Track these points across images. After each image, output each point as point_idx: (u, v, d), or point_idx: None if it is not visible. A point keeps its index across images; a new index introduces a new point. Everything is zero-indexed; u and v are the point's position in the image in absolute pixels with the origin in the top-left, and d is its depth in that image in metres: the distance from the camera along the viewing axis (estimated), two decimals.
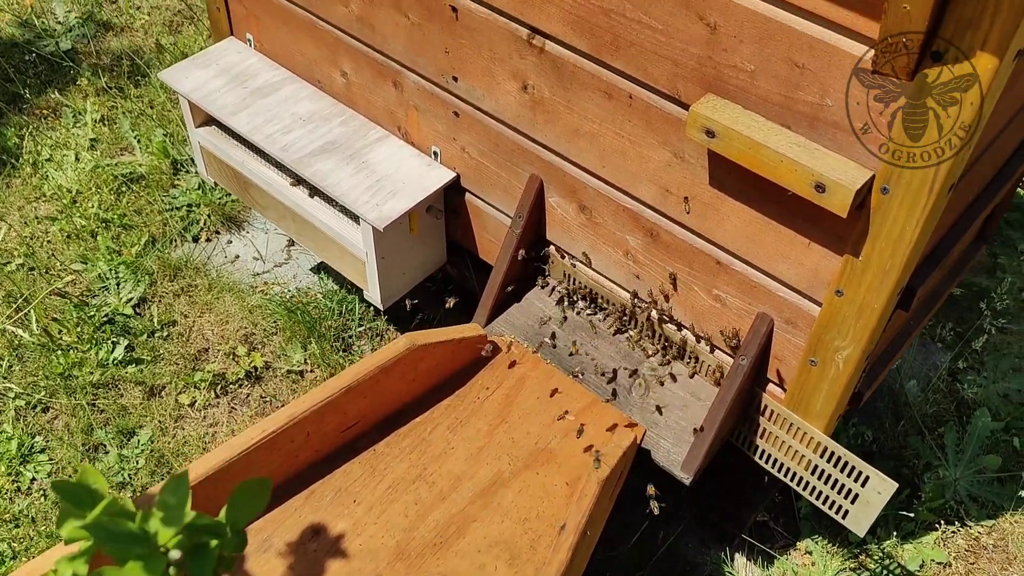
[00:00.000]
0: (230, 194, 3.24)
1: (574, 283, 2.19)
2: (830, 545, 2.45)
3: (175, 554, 0.95)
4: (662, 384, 2.06)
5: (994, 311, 3.00)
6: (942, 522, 2.49)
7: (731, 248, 1.79)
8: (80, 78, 3.63)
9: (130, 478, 2.52)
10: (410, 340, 1.98)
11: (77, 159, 3.33)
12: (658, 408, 2.00)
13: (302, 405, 1.88)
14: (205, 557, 1.03)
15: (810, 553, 2.44)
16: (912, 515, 2.42)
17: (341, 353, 2.80)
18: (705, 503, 2.46)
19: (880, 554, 2.41)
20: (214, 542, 1.05)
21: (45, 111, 3.53)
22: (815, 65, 1.45)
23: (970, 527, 2.51)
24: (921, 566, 2.42)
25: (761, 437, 2.02)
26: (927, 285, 1.80)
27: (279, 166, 2.40)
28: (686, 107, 1.66)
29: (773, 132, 1.54)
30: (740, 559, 2.43)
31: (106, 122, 3.49)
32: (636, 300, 2.06)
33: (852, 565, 2.41)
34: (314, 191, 2.36)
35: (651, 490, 1.93)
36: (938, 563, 2.44)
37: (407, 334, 1.99)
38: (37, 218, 3.15)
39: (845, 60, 1.40)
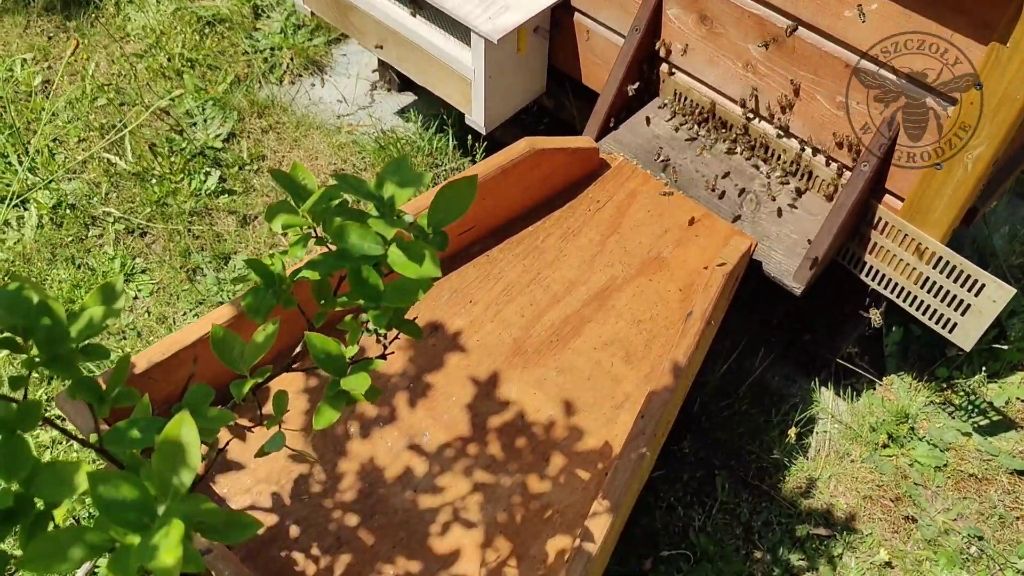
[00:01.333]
0: (313, 39, 3.24)
1: (687, 101, 2.19)
2: (916, 381, 2.49)
3: (408, 217, 0.98)
4: (774, 199, 2.08)
5: None
6: None
7: (863, 48, 1.79)
8: None
9: (229, 299, 2.57)
10: (530, 143, 2.00)
11: (158, 1, 3.32)
12: (768, 222, 2.02)
13: (424, 200, 1.91)
14: (414, 253, 1.07)
15: (896, 388, 2.49)
16: (1004, 348, 2.45)
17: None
18: (796, 334, 2.50)
19: (966, 389, 2.45)
20: (417, 241, 1.09)
21: None
22: None
23: None
24: (1007, 403, 2.46)
25: (871, 252, 2.04)
26: None
27: None
28: None
29: None
30: (827, 392, 2.48)
31: None
32: (752, 115, 2.06)
33: (938, 399, 2.45)
34: (416, 11, 2.36)
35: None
36: (1023, 400, 2.48)
37: (527, 138, 2.01)
38: (124, 56, 3.15)
39: None
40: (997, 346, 2.47)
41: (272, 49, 3.21)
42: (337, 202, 1.02)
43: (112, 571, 0.69)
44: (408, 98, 3.10)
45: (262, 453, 1.14)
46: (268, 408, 1.85)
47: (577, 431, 1.82)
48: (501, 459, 1.79)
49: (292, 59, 3.19)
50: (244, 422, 1.25)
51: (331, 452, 1.79)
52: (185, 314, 2.53)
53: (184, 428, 0.77)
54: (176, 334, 1.71)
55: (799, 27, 1.86)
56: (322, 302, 1.14)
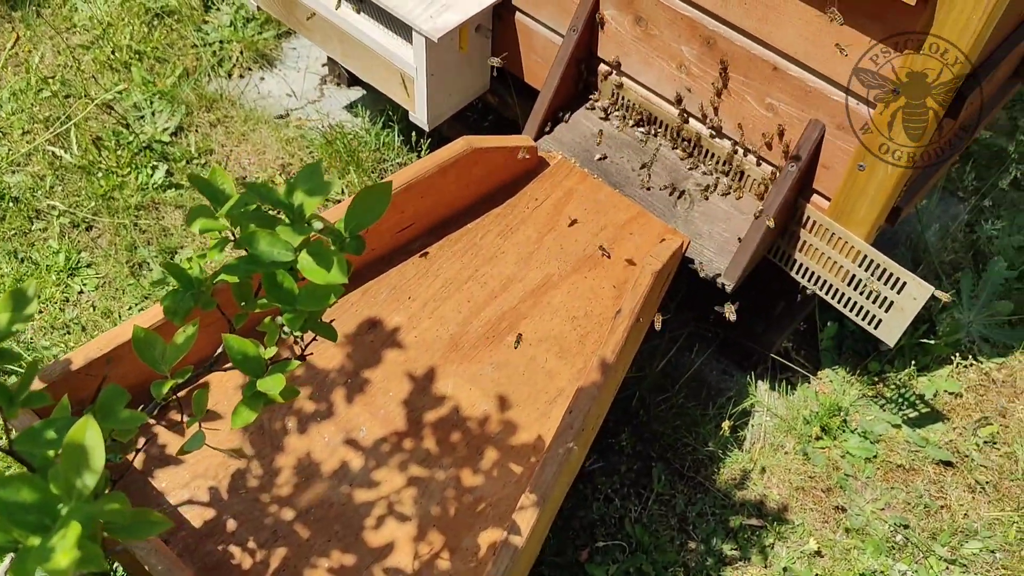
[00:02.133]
0: (262, 32, 3.24)
1: (623, 101, 2.24)
2: (849, 375, 2.56)
3: (318, 224, 1.01)
4: (707, 198, 2.13)
5: (1014, 169, 3.07)
6: (956, 356, 2.60)
7: (789, 52, 1.84)
8: None
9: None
10: (468, 142, 2.03)
11: None
12: (701, 220, 2.08)
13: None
14: (324, 259, 1.10)
15: (830, 381, 2.56)
16: (931, 343, 2.53)
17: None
18: (731, 330, 2.56)
19: (896, 383, 2.53)
20: (333, 246, 1.12)
21: None
22: None
23: (981, 363, 2.63)
24: (935, 395, 2.54)
25: (800, 250, 2.10)
26: (975, 96, 1.86)
27: None
28: None
29: None
30: (763, 385, 2.54)
31: None
32: (686, 115, 2.11)
33: (870, 392, 2.52)
34: (360, 7, 2.37)
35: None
36: (950, 393, 2.56)
37: (465, 136, 2.04)
38: (70, 47, 3.14)
39: None
40: (926, 341, 2.55)
41: (221, 42, 3.21)
42: (253, 207, 1.05)
43: (13, 573, 0.72)
44: (357, 93, 3.12)
45: (182, 452, 1.17)
46: (213, 405, 1.88)
47: (511, 426, 1.86)
48: (436, 453, 1.83)
49: (241, 52, 3.19)
50: (178, 418, 1.27)
51: (268, 447, 1.82)
52: (131, 308, 2.53)
53: (88, 432, 0.80)
54: (113, 330, 1.73)
55: (728, 28, 1.91)
56: (243, 304, 1.17)
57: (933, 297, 1.93)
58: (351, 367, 1.93)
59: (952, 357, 2.60)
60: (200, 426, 1.16)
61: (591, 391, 1.71)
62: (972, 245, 2.90)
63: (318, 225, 1.01)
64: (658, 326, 1.97)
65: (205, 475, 1.77)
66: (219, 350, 1.17)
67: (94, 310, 2.53)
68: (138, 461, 1.75)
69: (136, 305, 2.53)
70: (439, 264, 2.08)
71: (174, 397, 1.14)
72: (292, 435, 1.84)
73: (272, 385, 1.06)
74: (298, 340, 1.25)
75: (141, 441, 1.37)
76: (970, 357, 2.63)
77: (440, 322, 1.99)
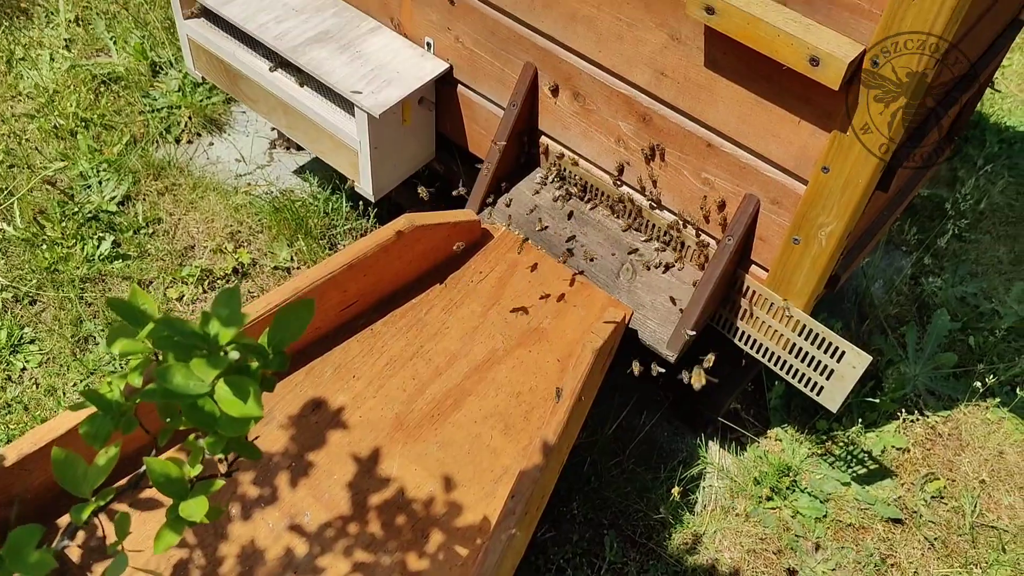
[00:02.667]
0: (211, 96, 3.24)
1: (565, 172, 2.26)
2: (798, 433, 2.58)
3: (234, 354, 1.01)
4: (648, 268, 2.15)
5: (955, 221, 3.14)
6: (902, 412, 2.63)
7: (722, 129, 1.87)
8: None
9: (121, 368, 2.55)
10: (409, 220, 2.04)
11: (52, 59, 3.30)
12: (644, 291, 2.09)
13: (306, 279, 1.93)
14: (248, 376, 1.10)
15: (779, 441, 2.58)
16: (876, 402, 2.56)
17: (327, 251, 2.84)
18: (680, 393, 2.57)
19: (845, 440, 2.55)
20: (255, 363, 1.11)
21: (16, 11, 3.47)
22: None
23: (927, 417, 2.66)
24: (883, 451, 2.57)
25: (742, 319, 2.12)
26: (906, 166, 1.89)
27: (270, 58, 2.42)
28: None
29: (770, 8, 1.60)
30: (713, 446, 2.56)
31: (80, 23, 3.44)
32: (626, 187, 2.14)
33: (819, 451, 2.54)
34: (304, 80, 2.39)
35: (636, 366, 2.02)
36: (898, 448, 2.59)
37: (406, 214, 2.05)
38: (15, 116, 3.12)
39: None
40: (871, 399, 2.58)
41: (170, 108, 3.20)
42: (169, 336, 1.04)
43: None
44: (305, 157, 3.12)
45: None
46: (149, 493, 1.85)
47: (456, 507, 1.85)
48: (381, 537, 1.81)
49: (190, 118, 3.19)
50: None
51: (211, 536, 1.79)
52: (75, 384, 2.50)
53: None
54: (47, 424, 1.70)
55: (663, 105, 1.94)
56: (167, 420, 1.16)
57: (875, 360, 1.96)
58: (295, 449, 1.92)
59: (899, 412, 2.63)
60: (123, 548, 1.14)
61: (533, 474, 1.71)
62: (917, 298, 2.95)
63: (235, 355, 1.01)
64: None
65: (146, 566, 1.74)
66: (142, 469, 1.16)
67: (37, 387, 2.49)
68: (75, 554, 1.72)
69: (81, 381, 2.50)
70: (384, 340, 2.07)
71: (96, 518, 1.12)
72: (236, 522, 1.82)
73: (194, 510, 1.05)
74: (223, 458, 1.24)
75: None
76: (916, 412, 2.66)
77: (385, 401, 1.99)
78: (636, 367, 2.02)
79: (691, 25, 1.77)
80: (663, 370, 2.02)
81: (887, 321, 2.86)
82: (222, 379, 0.99)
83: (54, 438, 1.68)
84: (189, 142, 3.16)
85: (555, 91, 2.11)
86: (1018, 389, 2.58)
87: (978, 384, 2.62)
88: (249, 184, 3.04)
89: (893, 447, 2.59)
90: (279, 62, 2.40)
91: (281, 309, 1.11)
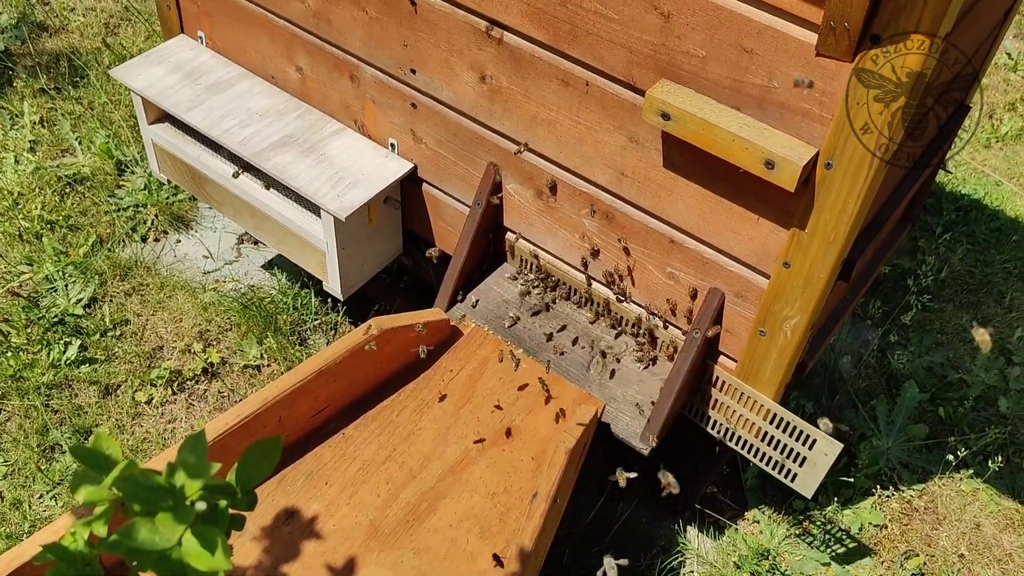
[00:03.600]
0: (177, 193, 3.25)
1: (532, 267, 2.28)
2: (776, 514, 2.58)
3: (201, 506, 1.00)
4: (619, 361, 2.16)
5: (918, 291, 3.19)
6: (878, 487, 2.64)
7: (684, 227, 1.90)
8: (16, 79, 3.59)
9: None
10: (378, 324, 2.04)
11: (17, 161, 3.30)
12: (615, 384, 2.10)
13: (275, 389, 1.92)
14: (217, 517, 1.08)
15: (757, 522, 2.57)
16: (851, 480, 2.57)
17: (297, 347, 2.83)
18: (657, 478, 2.56)
19: (822, 519, 2.55)
20: (224, 502, 1.10)
21: None
22: (763, 50, 1.56)
23: (903, 491, 2.67)
24: (860, 529, 2.56)
25: (713, 408, 2.13)
26: (864, 257, 1.93)
27: (234, 161, 2.44)
28: (641, 93, 1.76)
29: (725, 113, 1.64)
30: (692, 531, 2.55)
31: (45, 124, 3.45)
32: (593, 281, 2.16)
33: (797, 531, 2.54)
34: (269, 183, 2.40)
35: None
36: (875, 525, 2.59)
37: (374, 318, 2.05)
38: None
39: (791, 44, 1.52)
40: (846, 478, 2.58)
41: (136, 206, 3.21)
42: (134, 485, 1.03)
43: None
44: (273, 252, 3.13)
45: None
46: None
47: None
48: None
49: (156, 216, 3.19)
50: None
51: None
52: (42, 496, 2.45)
53: None
54: (12, 551, 1.67)
55: (625, 203, 1.97)
56: (134, 564, 1.14)
57: (847, 435, 1.97)
58: (268, 562, 1.89)
59: (874, 488, 2.64)
60: None
61: None
62: (885, 370, 2.97)
63: (202, 507, 1.00)
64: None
65: None
66: None
67: (2, 500, 2.44)
68: None
69: (48, 493, 2.46)
70: (356, 445, 2.06)
71: None
72: None
73: None
74: None
75: None
76: (891, 487, 2.67)
77: (359, 508, 1.96)
78: (621, 478, 1.98)
79: (648, 128, 1.81)
80: (634, 475, 1.98)
81: (857, 395, 2.88)
82: (189, 531, 0.98)
83: (20, 565, 1.65)
84: (156, 240, 3.15)
85: (518, 190, 2.15)
86: (990, 461, 2.60)
87: (951, 457, 2.63)
88: (217, 281, 3.03)
89: (871, 524, 2.59)
90: (244, 165, 2.42)
91: (248, 448, 1.10)
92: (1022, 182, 3.80)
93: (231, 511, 1.11)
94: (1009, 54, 4.44)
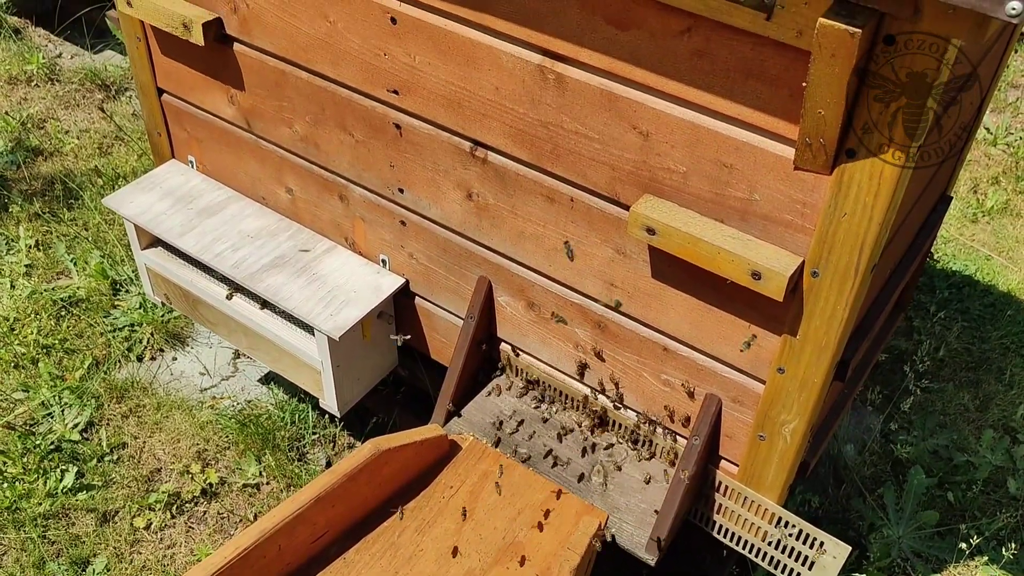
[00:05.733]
0: (172, 311, 3.26)
1: (528, 377, 2.28)
2: None
3: None
4: (620, 469, 2.14)
5: (917, 373, 3.18)
6: None
7: (676, 335, 1.91)
8: (11, 205, 3.64)
9: None
10: (374, 446, 2.03)
11: (12, 286, 3.32)
12: (617, 493, 2.08)
13: (273, 519, 1.90)
14: None
15: None
16: (864, 575, 2.52)
17: (296, 463, 2.81)
18: None
19: None
20: None
21: None
22: (742, 164, 1.58)
23: None
24: None
25: (718, 512, 2.10)
26: (858, 355, 1.93)
27: (227, 282, 2.45)
28: (626, 207, 1.78)
29: (708, 226, 1.66)
30: None
31: (41, 247, 3.49)
32: (589, 389, 2.15)
33: None
34: (264, 304, 2.41)
35: None
36: None
37: (371, 440, 2.04)
38: None
39: (769, 159, 1.55)
40: (858, 574, 2.54)
41: (131, 326, 3.22)
42: None
43: None
44: None
45: None
46: None
47: None
48: None
49: (152, 334, 3.19)
50: None
51: None
52: None
53: None
54: None
55: (616, 313, 1.98)
56: None
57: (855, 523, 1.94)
58: None
59: None
60: None
61: None
62: (890, 456, 2.95)
63: None
64: None
65: None
66: None
67: None
68: None
69: None
70: (358, 570, 2.02)
71: None
72: None
73: None
74: None
75: None
76: None
77: None
78: None
79: (635, 241, 1.83)
80: None
81: (863, 483, 2.85)
82: None
83: None
84: (152, 359, 3.15)
85: (510, 302, 2.16)
86: (1003, 548, 2.55)
87: (963, 545, 2.59)
88: (214, 398, 3.02)
89: None
90: (237, 286, 2.43)
91: None
92: (1011, 255, 3.83)
93: None
94: (988, 128, 4.51)
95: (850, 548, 1.92)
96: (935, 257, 2.46)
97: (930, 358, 3.26)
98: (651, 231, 1.69)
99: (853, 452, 2.93)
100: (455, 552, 2.03)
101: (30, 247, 3.47)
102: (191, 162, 2.65)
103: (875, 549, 2.59)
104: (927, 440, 2.99)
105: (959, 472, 2.91)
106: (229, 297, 2.43)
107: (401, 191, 2.16)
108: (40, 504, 2.66)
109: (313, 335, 2.29)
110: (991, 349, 3.37)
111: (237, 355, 3.17)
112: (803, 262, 1.60)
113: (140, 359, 3.15)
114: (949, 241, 3.89)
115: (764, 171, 1.57)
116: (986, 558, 2.67)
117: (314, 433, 2.88)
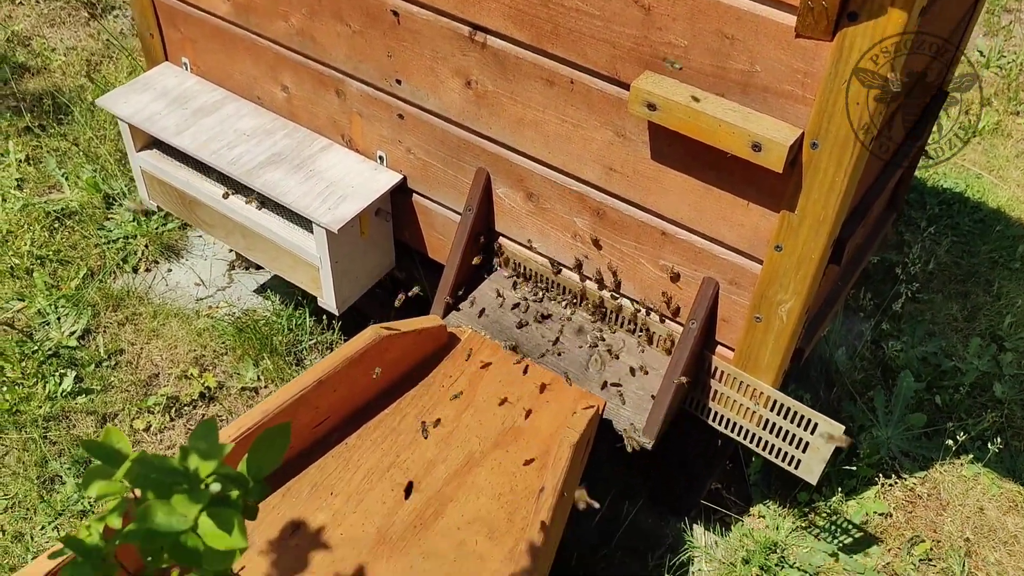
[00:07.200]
0: (167, 223, 3.25)
1: (526, 270, 2.29)
2: (780, 507, 2.58)
3: (215, 487, 1.00)
4: (617, 358, 2.17)
5: (908, 276, 3.21)
6: (880, 477, 2.65)
7: (675, 218, 1.92)
8: (0, 119, 3.60)
9: (90, 506, 2.49)
10: (375, 332, 2.05)
11: (4, 199, 3.30)
12: (614, 381, 2.11)
13: (276, 401, 1.92)
14: (229, 507, 1.09)
15: (763, 517, 2.57)
16: (854, 469, 2.57)
17: (294, 367, 2.83)
18: (660, 477, 2.57)
19: (827, 511, 2.55)
20: (236, 492, 1.10)
21: None
22: (743, 35, 1.59)
23: (905, 479, 2.68)
24: (865, 518, 2.57)
25: (713, 399, 2.14)
26: (854, 239, 1.96)
27: (224, 182, 2.45)
28: (626, 87, 1.78)
29: (710, 100, 1.67)
30: (698, 528, 2.54)
31: (31, 161, 3.46)
32: (587, 280, 2.17)
33: (803, 523, 2.54)
34: (262, 203, 2.41)
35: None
36: (880, 514, 2.59)
37: (372, 326, 2.06)
38: None
39: (771, 27, 1.55)
40: (848, 467, 2.59)
41: (125, 238, 3.21)
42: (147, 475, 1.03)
43: None
44: (265, 276, 3.13)
45: None
46: None
47: None
48: None
49: (147, 246, 3.19)
50: None
51: None
52: (43, 528, 2.43)
53: None
54: (18, 574, 1.65)
55: (615, 199, 1.99)
56: (149, 559, 1.14)
57: (847, 425, 1.98)
58: (277, 574, 1.87)
59: (877, 477, 2.64)
60: None
61: None
62: (880, 361, 2.99)
63: (216, 488, 1.00)
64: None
65: None
66: None
67: (4, 534, 2.42)
68: None
69: (50, 524, 2.44)
70: (360, 454, 2.06)
71: None
72: None
73: None
74: None
75: None
76: (893, 476, 2.67)
77: (365, 516, 1.96)
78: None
79: (635, 121, 1.83)
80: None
81: (854, 387, 2.90)
82: (204, 512, 0.98)
83: None
84: (147, 270, 3.16)
85: (508, 194, 2.16)
86: (989, 445, 2.61)
87: (950, 442, 2.65)
88: (211, 307, 3.03)
89: (875, 513, 2.59)
90: (234, 186, 2.43)
91: (258, 436, 1.10)
92: (1002, 174, 3.85)
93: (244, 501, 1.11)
94: (981, 51, 4.51)
95: (843, 427, 1.96)
96: (928, 153, 2.47)
97: (920, 271, 3.29)
98: (652, 107, 1.70)
99: (844, 357, 2.97)
100: (455, 436, 2.06)
101: (20, 161, 3.45)
102: (185, 64, 2.63)
103: (865, 447, 2.64)
104: (916, 347, 3.03)
105: (947, 377, 2.96)
106: (226, 196, 2.43)
107: (399, 82, 2.16)
108: (40, 407, 2.68)
109: (311, 232, 2.30)
110: (980, 263, 3.41)
111: (232, 266, 3.18)
112: (803, 133, 1.61)
113: (135, 270, 3.15)
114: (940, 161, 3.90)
115: (765, 40, 1.57)
116: (972, 456, 2.73)
117: (311, 338, 2.90)
